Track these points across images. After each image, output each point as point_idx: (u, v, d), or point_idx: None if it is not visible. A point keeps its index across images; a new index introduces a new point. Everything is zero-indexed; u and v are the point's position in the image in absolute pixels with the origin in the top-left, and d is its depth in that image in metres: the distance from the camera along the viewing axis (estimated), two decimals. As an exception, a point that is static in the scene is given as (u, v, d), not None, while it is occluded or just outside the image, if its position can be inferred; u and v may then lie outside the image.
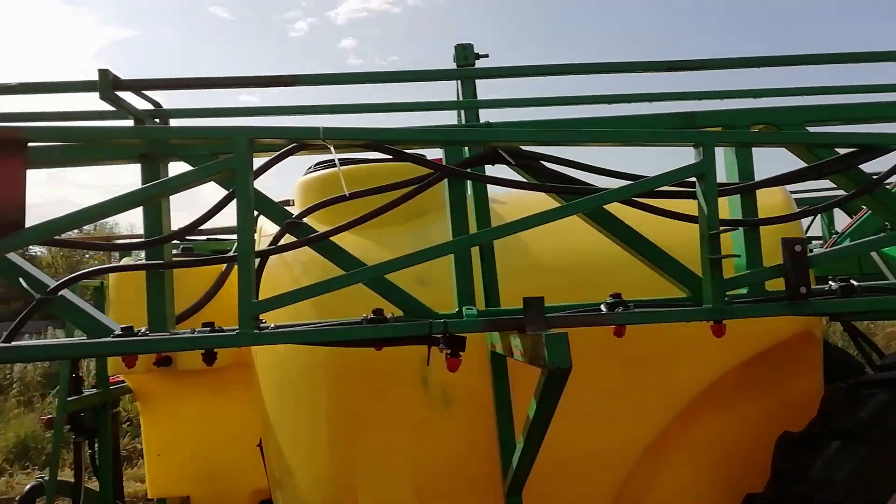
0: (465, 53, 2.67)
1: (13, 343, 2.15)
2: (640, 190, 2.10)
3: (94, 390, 3.97)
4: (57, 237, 2.17)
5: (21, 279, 2.15)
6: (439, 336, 2.03)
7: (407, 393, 2.73)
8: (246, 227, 1.96)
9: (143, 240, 2.24)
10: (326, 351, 2.67)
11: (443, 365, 2.70)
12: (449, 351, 2.00)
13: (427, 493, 2.71)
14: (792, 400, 2.97)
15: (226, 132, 2.01)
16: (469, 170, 2.32)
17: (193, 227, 2.19)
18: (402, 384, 2.73)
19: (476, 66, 2.67)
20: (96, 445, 3.93)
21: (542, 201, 2.74)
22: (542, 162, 2.31)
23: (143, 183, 2.25)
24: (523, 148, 2.30)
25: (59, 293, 2.19)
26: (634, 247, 2.30)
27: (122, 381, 4.23)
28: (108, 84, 2.10)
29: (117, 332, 2.14)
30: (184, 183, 2.03)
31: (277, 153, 2.13)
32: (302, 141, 2.06)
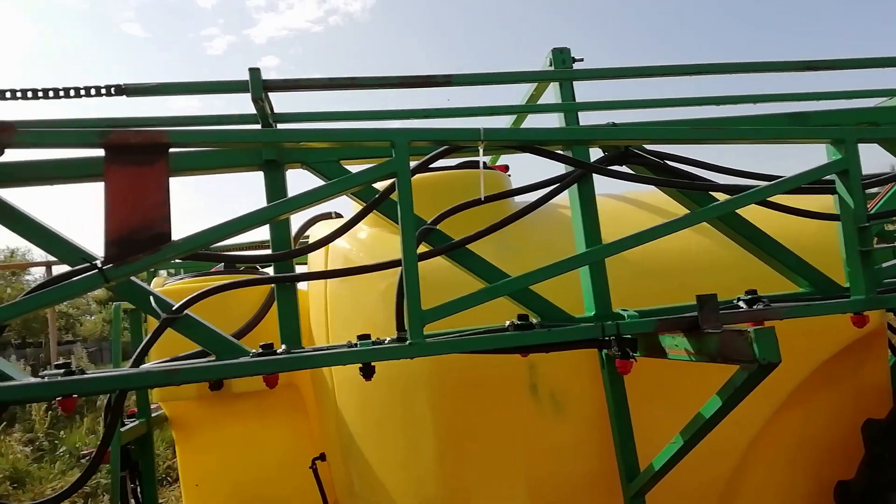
0: (561, 57, 2.66)
1: (142, 367, 1.99)
2: (784, 189, 2.13)
3: (136, 421, 3.72)
4: (202, 251, 2.03)
5: (151, 298, 1.99)
6: (610, 339, 1.99)
7: (516, 401, 2.67)
8: (408, 232, 1.88)
9: (271, 252, 2.12)
10: (429, 365, 2.59)
11: (551, 370, 2.68)
12: (620, 352, 1.96)
13: (542, 500, 2.65)
14: (867, 388, 3.08)
15: (387, 134, 1.92)
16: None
17: (334, 238, 2.08)
18: (510, 393, 2.67)
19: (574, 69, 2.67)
20: (137, 479, 3.67)
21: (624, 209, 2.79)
22: (667, 161, 2.32)
23: (269, 191, 2.13)
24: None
25: (185, 312, 2.04)
26: (759, 245, 2.32)
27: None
28: (259, 84, 1.97)
29: (255, 351, 2.01)
30: (345, 188, 1.93)
31: (430, 155, 2.05)
32: (458, 143, 1.99)
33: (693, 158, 2.29)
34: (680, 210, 2.44)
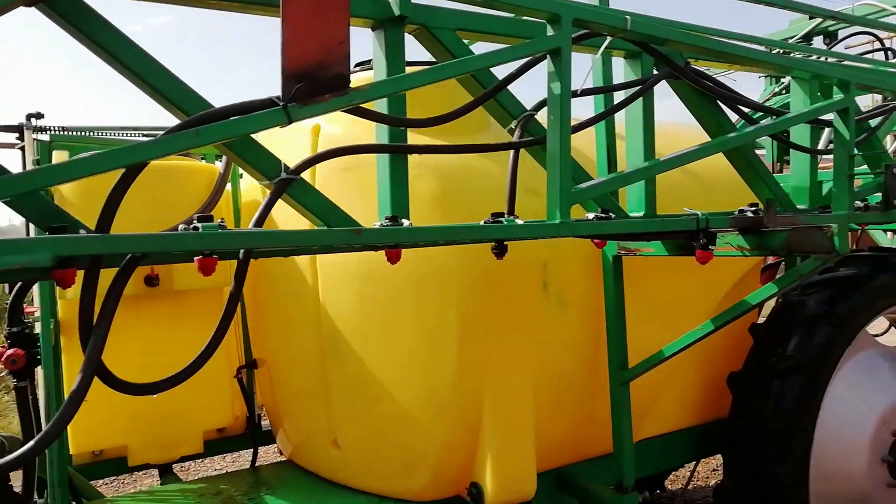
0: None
1: (253, 228, 1.71)
2: (800, 120, 2.54)
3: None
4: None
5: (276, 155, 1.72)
6: (699, 231, 2.22)
7: (528, 298, 2.80)
8: (564, 110, 1.87)
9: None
10: (457, 260, 2.60)
11: (560, 272, 2.88)
12: (705, 243, 2.21)
13: (543, 387, 2.85)
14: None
15: (551, 5, 1.85)
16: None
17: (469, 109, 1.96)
18: (524, 290, 2.79)
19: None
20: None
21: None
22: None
23: (386, 49, 1.93)
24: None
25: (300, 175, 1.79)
26: (758, 171, 2.72)
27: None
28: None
29: (383, 221, 1.85)
30: (500, 61, 1.84)
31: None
32: (615, 30, 2.00)
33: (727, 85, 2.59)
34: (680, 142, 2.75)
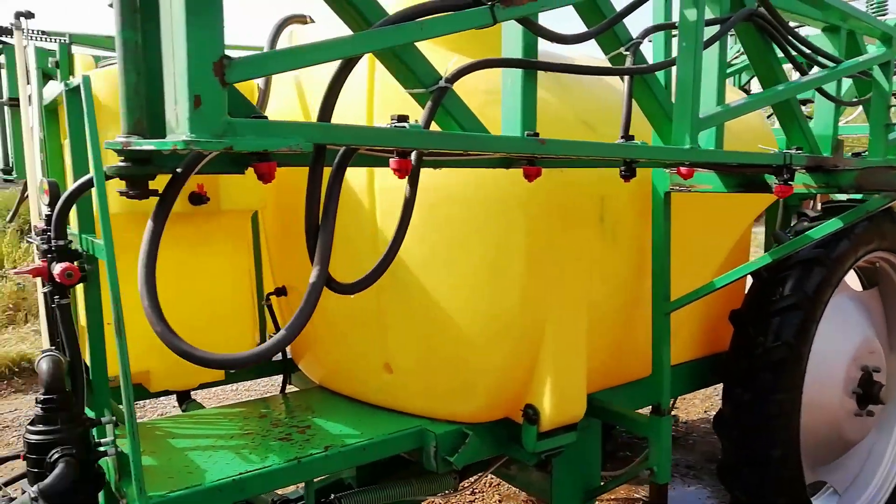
0: None
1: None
2: (847, 72, 2.71)
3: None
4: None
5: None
6: (783, 167, 2.36)
7: (586, 228, 2.90)
8: (698, 38, 1.93)
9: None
10: (525, 187, 2.63)
11: (615, 205, 2.99)
12: (787, 179, 2.36)
13: (594, 314, 2.98)
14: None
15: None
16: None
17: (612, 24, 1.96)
18: (583, 221, 2.88)
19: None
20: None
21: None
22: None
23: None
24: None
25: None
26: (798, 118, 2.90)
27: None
28: None
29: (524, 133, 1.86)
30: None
31: None
32: None
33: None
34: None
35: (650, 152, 1.94)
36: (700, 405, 6.38)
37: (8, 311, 7.89)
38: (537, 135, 1.89)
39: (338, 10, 1.44)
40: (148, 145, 1.16)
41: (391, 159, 1.49)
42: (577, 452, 3.20)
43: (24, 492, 2.28)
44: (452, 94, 1.78)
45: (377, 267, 1.69)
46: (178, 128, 1.11)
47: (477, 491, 4.85)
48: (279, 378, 3.79)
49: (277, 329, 3.55)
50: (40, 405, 2.36)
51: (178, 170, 1.35)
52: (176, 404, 3.60)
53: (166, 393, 3.49)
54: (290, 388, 3.77)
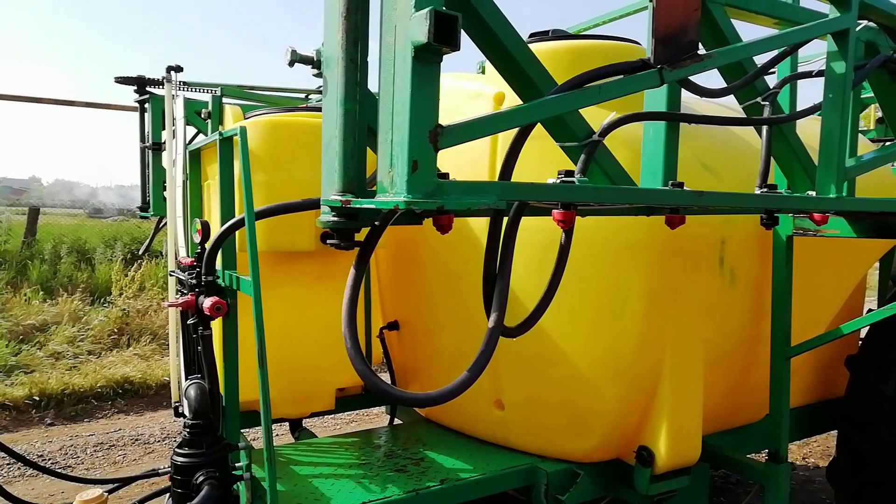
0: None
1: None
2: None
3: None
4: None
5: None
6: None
7: (706, 271, 2.89)
8: (846, 89, 1.94)
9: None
10: (647, 231, 2.67)
11: (735, 248, 2.96)
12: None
13: (712, 353, 2.95)
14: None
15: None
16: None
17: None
18: (702, 263, 2.87)
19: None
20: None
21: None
22: None
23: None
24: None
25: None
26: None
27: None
28: None
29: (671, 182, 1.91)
30: (790, 42, 1.90)
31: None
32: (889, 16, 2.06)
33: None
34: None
35: (801, 202, 1.95)
36: (797, 451, 6.12)
37: (113, 336, 8.33)
38: (682, 184, 1.93)
39: (511, 80, 1.54)
40: (368, 204, 1.27)
41: (555, 210, 1.56)
42: (687, 497, 3.15)
43: (172, 511, 2.43)
44: (603, 147, 1.84)
45: (535, 310, 1.76)
46: (394, 188, 1.21)
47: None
48: (373, 409, 3.86)
49: (387, 359, 3.66)
50: (188, 430, 2.51)
51: (376, 223, 1.45)
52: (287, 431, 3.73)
53: (281, 420, 3.63)
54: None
